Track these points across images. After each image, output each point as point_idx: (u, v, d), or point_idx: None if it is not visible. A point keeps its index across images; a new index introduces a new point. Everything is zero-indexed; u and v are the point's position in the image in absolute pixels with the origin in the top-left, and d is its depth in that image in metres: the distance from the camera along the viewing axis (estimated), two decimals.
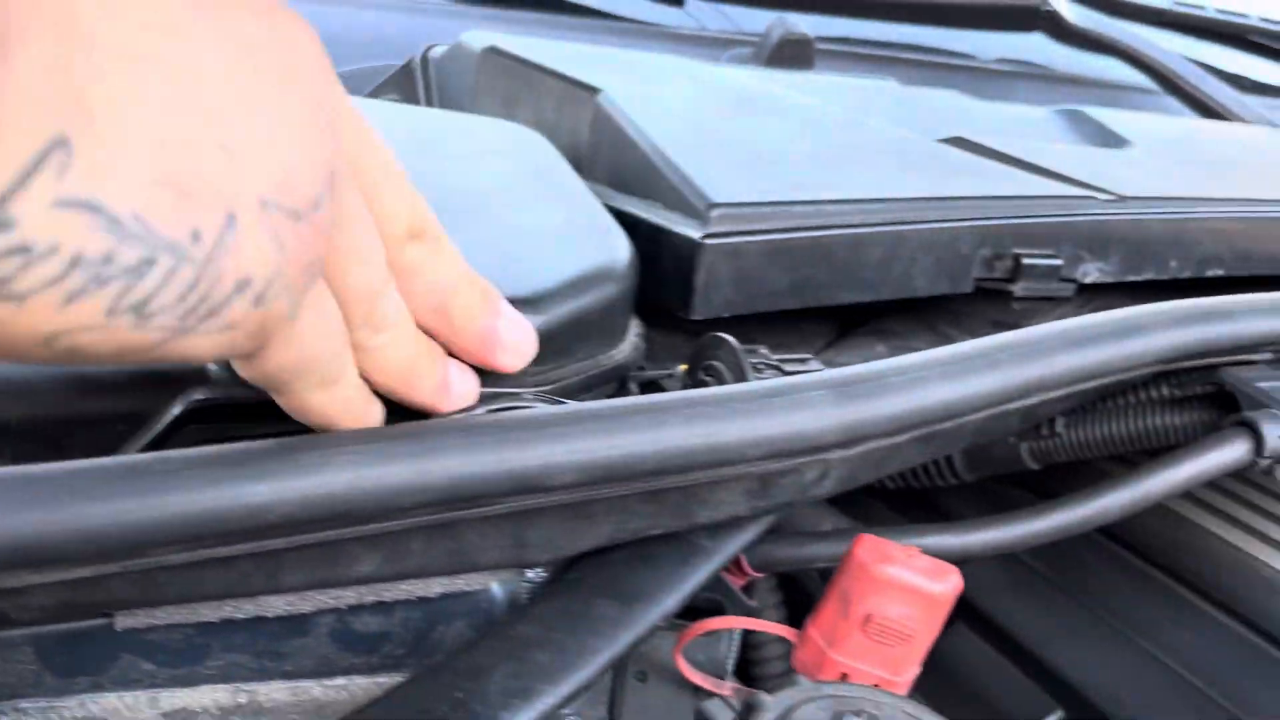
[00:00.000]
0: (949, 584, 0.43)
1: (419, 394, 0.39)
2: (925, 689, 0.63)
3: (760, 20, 1.02)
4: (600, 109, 0.66)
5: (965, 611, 0.65)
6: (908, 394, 0.45)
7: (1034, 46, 1.23)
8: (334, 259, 0.34)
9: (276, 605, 0.41)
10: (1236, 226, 0.71)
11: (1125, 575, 0.65)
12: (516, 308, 0.43)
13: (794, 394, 0.43)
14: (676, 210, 0.58)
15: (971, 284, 0.63)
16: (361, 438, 0.36)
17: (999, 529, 0.52)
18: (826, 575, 0.49)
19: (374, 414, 0.38)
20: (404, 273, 0.37)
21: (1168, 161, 0.78)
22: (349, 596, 0.42)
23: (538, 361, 0.47)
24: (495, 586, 0.45)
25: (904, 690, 0.45)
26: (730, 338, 0.50)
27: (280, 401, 0.36)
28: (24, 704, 0.39)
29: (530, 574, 0.47)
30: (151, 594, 0.37)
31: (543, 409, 0.41)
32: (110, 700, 0.40)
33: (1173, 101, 1.16)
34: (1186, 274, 0.71)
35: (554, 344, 0.48)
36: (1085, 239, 0.66)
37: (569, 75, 0.69)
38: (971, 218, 0.62)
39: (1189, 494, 0.69)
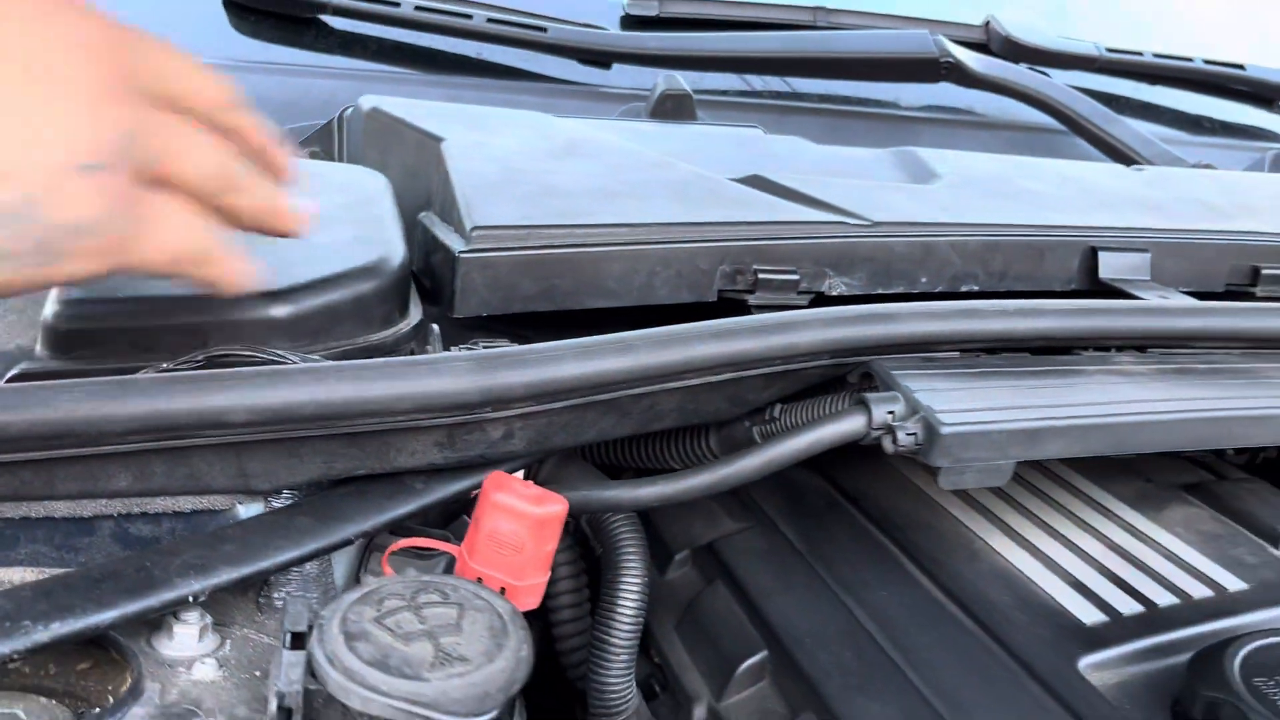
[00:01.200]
0: (550, 509, 0.57)
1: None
2: (682, 634, 0.76)
3: (692, 80, 1.17)
4: (438, 154, 0.81)
5: (724, 573, 0.77)
6: (538, 369, 0.59)
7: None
8: (169, 167, 0.51)
9: (60, 509, 0.57)
10: (987, 248, 0.81)
11: (860, 544, 0.75)
12: (270, 299, 0.60)
13: (439, 363, 0.58)
14: (456, 231, 0.73)
15: (715, 294, 0.76)
16: (83, 384, 0.53)
17: (661, 486, 0.65)
18: None
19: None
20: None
21: (961, 193, 0.88)
22: (118, 506, 0.58)
23: (293, 338, 0.63)
24: (240, 508, 0.61)
25: (531, 595, 0.58)
26: (435, 327, 0.65)
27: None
28: None
29: (277, 502, 0.62)
30: None
31: (237, 369, 0.56)
32: None
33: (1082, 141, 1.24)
34: (940, 288, 0.81)
35: (306, 325, 0.64)
36: (830, 257, 0.78)
37: (424, 128, 0.86)
38: (713, 239, 0.75)
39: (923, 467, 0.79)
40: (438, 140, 0.83)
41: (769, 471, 0.64)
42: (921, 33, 1.21)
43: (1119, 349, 0.74)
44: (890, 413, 0.62)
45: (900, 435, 0.61)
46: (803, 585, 0.73)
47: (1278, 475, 0.85)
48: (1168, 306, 0.76)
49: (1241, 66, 1.44)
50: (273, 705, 0.47)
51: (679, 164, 0.86)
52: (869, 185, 0.87)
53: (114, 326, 0.61)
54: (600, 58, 1.19)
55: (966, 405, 0.62)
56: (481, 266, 0.70)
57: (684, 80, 1.08)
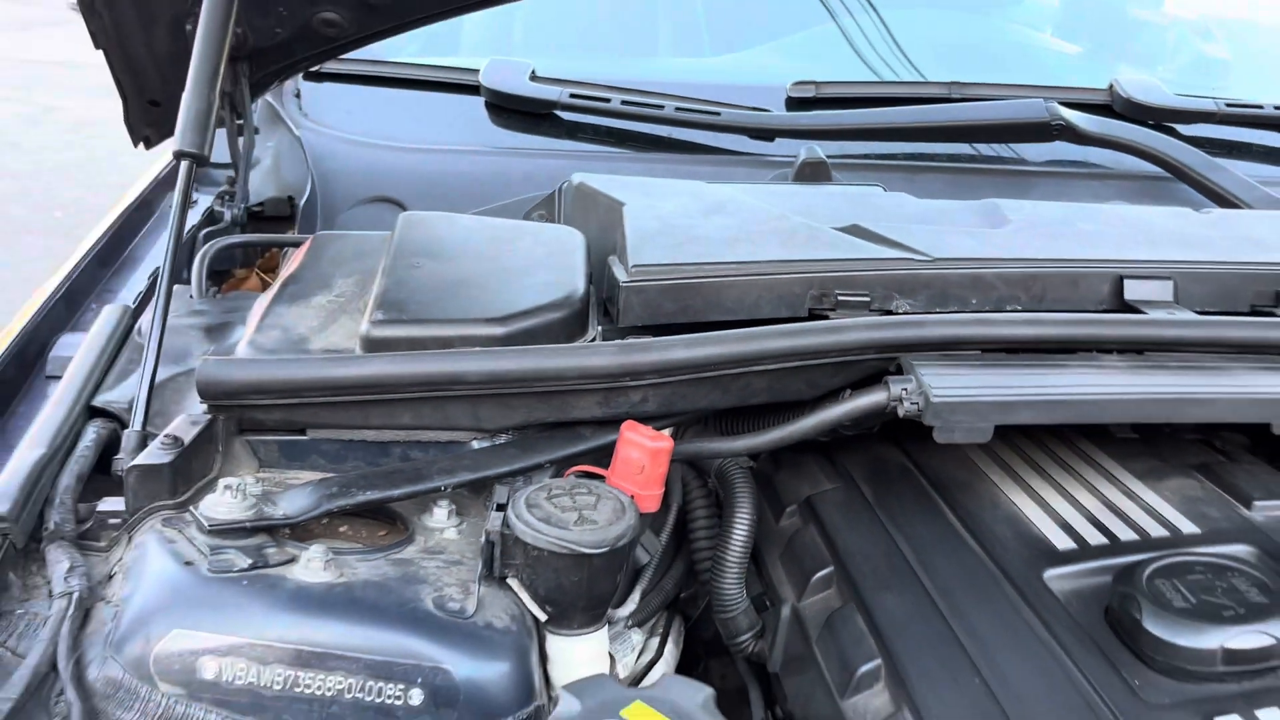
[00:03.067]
0: (661, 444, 0.88)
1: None
2: (783, 561, 1.04)
3: (834, 148, 1.46)
4: (620, 215, 1.15)
5: (814, 518, 1.04)
6: (658, 353, 0.90)
7: None
8: None
9: (369, 435, 0.94)
10: (1028, 278, 1.05)
11: (914, 497, 1.01)
12: (492, 323, 0.95)
13: (595, 348, 0.91)
14: (624, 268, 1.06)
15: (806, 312, 1.05)
16: (385, 356, 0.89)
17: (745, 440, 0.94)
18: None
19: None
20: None
21: (1021, 235, 1.12)
22: (402, 435, 0.95)
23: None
24: (474, 442, 0.96)
25: (649, 502, 0.89)
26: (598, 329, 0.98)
27: None
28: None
29: (499, 439, 0.97)
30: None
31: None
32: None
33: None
34: (987, 309, 1.06)
35: (517, 340, 0.98)
36: (896, 285, 1.05)
37: (612, 196, 1.20)
38: (804, 272, 1.04)
39: (988, 448, 1.04)
40: (620, 204, 1.17)
41: (821, 430, 0.92)
42: (1036, 101, 1.44)
43: (1120, 352, 0.96)
44: (904, 389, 0.89)
45: (906, 404, 0.88)
46: (865, 524, 1.00)
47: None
48: (1153, 319, 0.97)
49: None
50: (483, 540, 0.81)
51: (793, 217, 1.15)
52: (943, 229, 1.13)
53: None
54: (763, 134, 1.50)
55: (959, 384, 0.88)
56: (638, 292, 1.03)
57: (823, 149, 1.37)
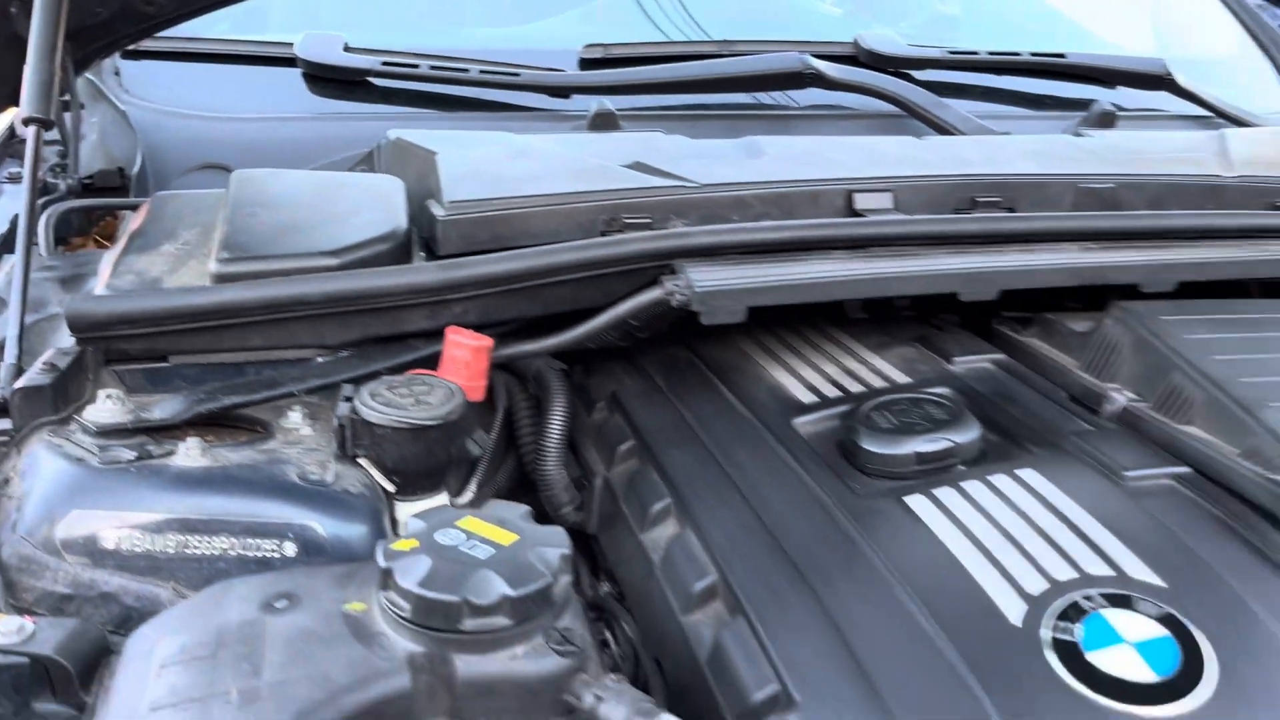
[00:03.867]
0: (481, 342, 1.06)
1: None
2: (595, 444, 1.23)
3: (624, 102, 1.66)
4: (434, 163, 1.31)
5: (619, 408, 1.24)
6: (471, 269, 1.08)
7: None
8: None
9: (225, 358, 1.08)
10: (778, 197, 1.28)
11: (699, 382, 1.23)
12: (327, 255, 1.10)
13: (419, 267, 1.08)
14: (441, 206, 1.23)
15: (599, 235, 1.24)
16: (239, 285, 1.04)
17: (545, 340, 1.13)
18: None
19: None
20: None
21: (776, 163, 1.35)
22: (255, 356, 1.09)
23: None
24: (319, 357, 1.11)
25: (474, 392, 1.07)
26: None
27: None
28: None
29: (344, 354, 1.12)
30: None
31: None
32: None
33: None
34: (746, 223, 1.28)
35: (349, 268, 1.14)
36: (673, 208, 1.25)
37: (425, 147, 1.36)
38: (595, 201, 1.23)
39: (754, 338, 1.26)
40: (433, 153, 1.33)
41: (613, 324, 1.12)
42: (792, 54, 1.68)
43: (846, 248, 1.20)
44: (675, 285, 1.10)
45: (676, 296, 1.09)
46: (658, 405, 1.20)
47: (986, 327, 1.30)
48: (869, 220, 1.22)
49: (1063, 55, 1.87)
50: (335, 424, 0.97)
51: (588, 158, 1.35)
52: (711, 162, 1.34)
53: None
54: (560, 91, 1.68)
55: (718, 277, 1.10)
56: (454, 224, 1.20)
57: (612, 103, 1.57)
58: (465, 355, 1.06)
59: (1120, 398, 1.09)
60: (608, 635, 1.04)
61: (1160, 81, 1.89)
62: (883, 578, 0.85)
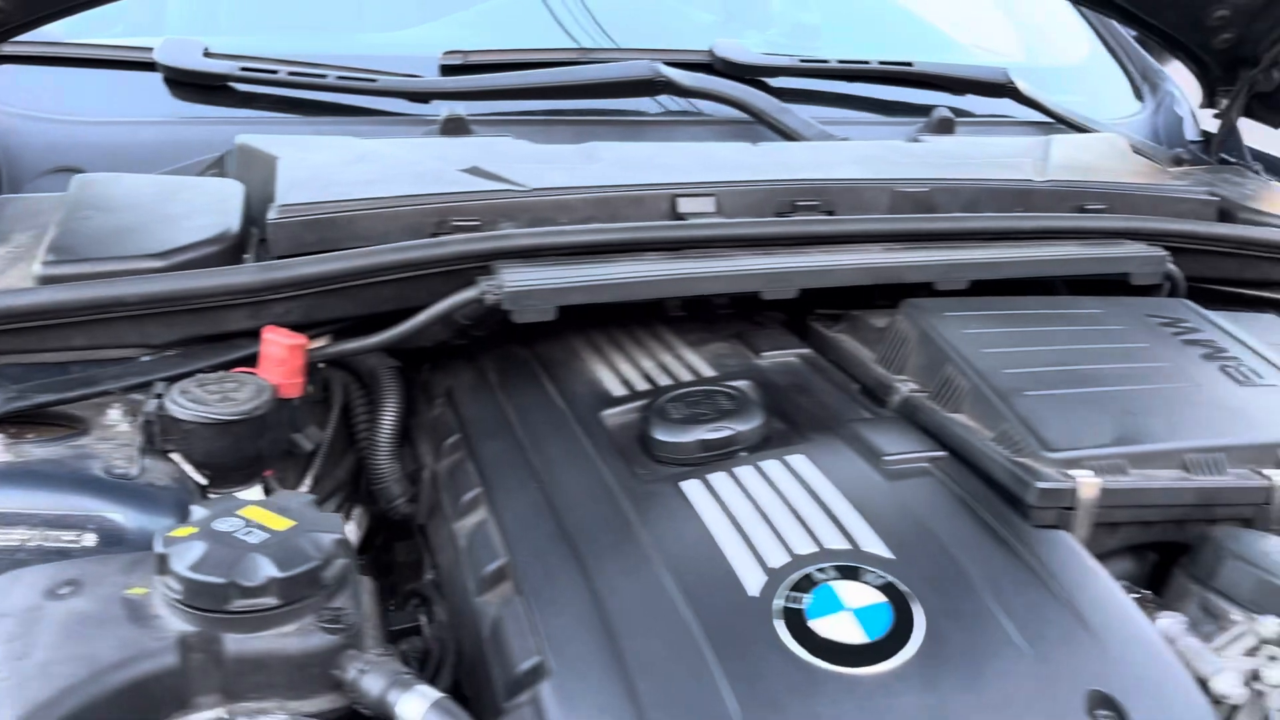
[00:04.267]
0: (296, 340, 1.10)
1: None
2: (429, 437, 1.29)
3: (483, 107, 1.71)
4: (274, 167, 1.35)
5: (451, 402, 1.30)
6: (287, 271, 1.13)
7: None
8: None
9: (49, 358, 1.12)
10: (602, 200, 1.34)
11: (527, 378, 1.28)
12: (154, 259, 1.14)
13: (240, 269, 1.12)
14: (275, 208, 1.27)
15: (428, 236, 1.29)
16: (60, 287, 1.07)
17: (367, 340, 1.18)
18: None
19: None
20: None
21: (608, 169, 1.41)
22: (78, 355, 1.12)
23: None
24: (144, 356, 1.14)
25: (290, 390, 1.11)
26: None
27: None
28: None
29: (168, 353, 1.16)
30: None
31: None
32: None
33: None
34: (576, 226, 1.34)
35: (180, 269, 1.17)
36: (502, 211, 1.31)
37: (268, 152, 1.40)
38: (425, 204, 1.28)
39: (586, 336, 1.32)
40: (275, 158, 1.37)
41: (433, 321, 1.17)
42: (642, 62, 1.74)
43: (662, 250, 1.26)
44: (489, 284, 1.16)
45: (489, 295, 1.15)
46: (486, 400, 1.26)
47: (802, 324, 1.37)
48: (681, 224, 1.29)
49: (910, 64, 1.96)
50: (142, 420, 1.01)
51: (427, 162, 1.40)
52: (546, 168, 1.40)
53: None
54: (418, 97, 1.73)
55: (530, 278, 1.16)
56: (282, 227, 1.24)
57: (472, 108, 1.62)
58: (280, 353, 1.11)
59: (903, 388, 1.17)
60: (422, 620, 1.10)
61: (1003, 89, 1.99)
62: (647, 555, 0.91)
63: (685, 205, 1.37)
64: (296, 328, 1.17)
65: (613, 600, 0.87)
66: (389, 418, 1.27)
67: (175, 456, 1.03)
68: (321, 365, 1.25)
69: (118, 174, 1.38)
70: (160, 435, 1.02)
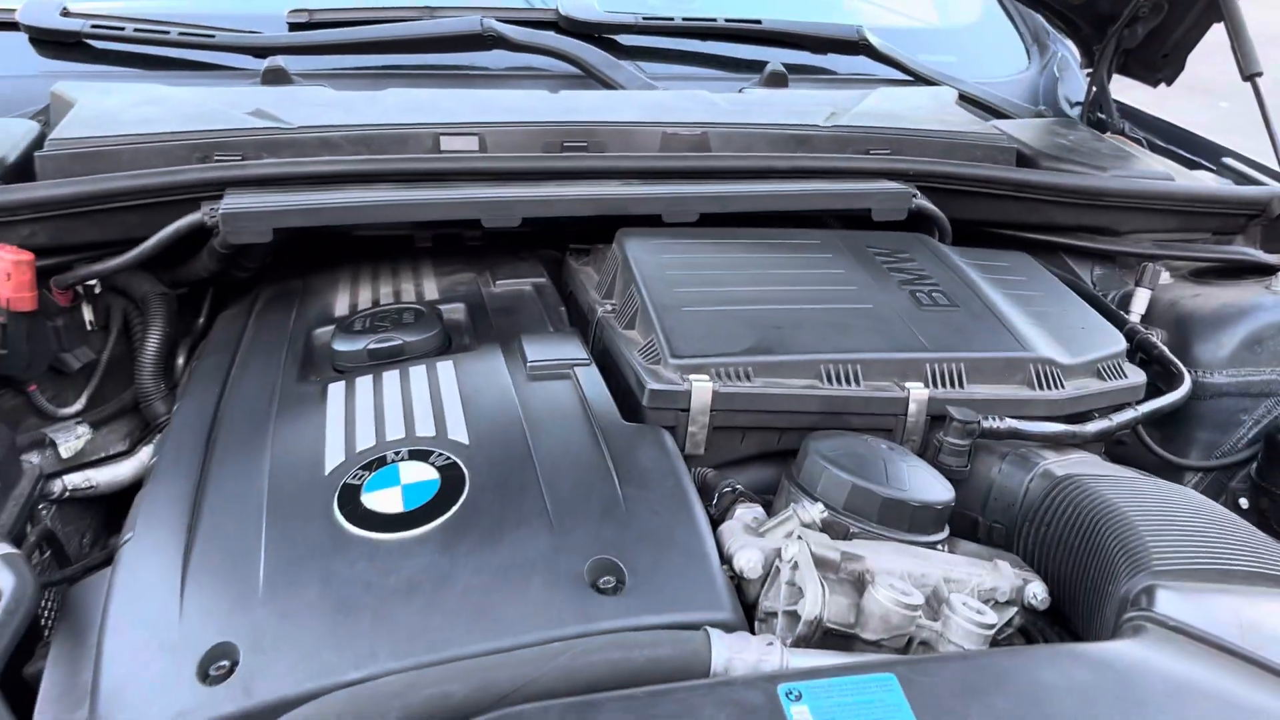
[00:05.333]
0: (22, 256, 1.19)
1: None
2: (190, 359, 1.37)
3: (327, 63, 1.79)
4: (69, 109, 1.44)
5: (212, 321, 1.37)
6: (26, 193, 1.21)
7: None
8: None
9: None
10: (364, 137, 1.40)
11: (286, 301, 1.35)
12: None
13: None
14: None
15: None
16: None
17: (106, 262, 1.26)
18: None
19: None
20: None
21: (388, 111, 1.47)
22: None
23: None
24: None
25: (21, 304, 1.20)
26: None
27: None
28: None
29: None
30: None
31: None
32: None
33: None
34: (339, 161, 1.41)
35: None
36: (264, 146, 1.38)
37: (69, 97, 1.49)
38: (193, 140, 1.36)
39: (353, 269, 1.39)
40: (71, 103, 1.46)
41: (161, 247, 1.25)
42: (472, 17, 1.80)
43: (400, 180, 1.33)
44: (211, 208, 1.23)
45: (208, 219, 1.22)
46: (236, 322, 1.33)
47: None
48: (414, 156, 1.34)
49: (759, 21, 1.99)
50: None
51: (214, 104, 1.48)
52: (325, 110, 1.47)
53: None
54: (260, 52, 1.81)
55: (249, 202, 1.23)
56: (51, 159, 1.33)
57: (316, 63, 1.71)
58: (6, 267, 1.19)
59: (600, 309, 1.22)
60: None
61: (856, 46, 2.01)
62: (262, 445, 0.98)
63: (448, 143, 1.42)
64: (47, 251, 1.26)
65: (213, 480, 0.94)
66: (153, 339, 1.35)
67: None
68: (98, 291, 1.35)
69: None
70: None
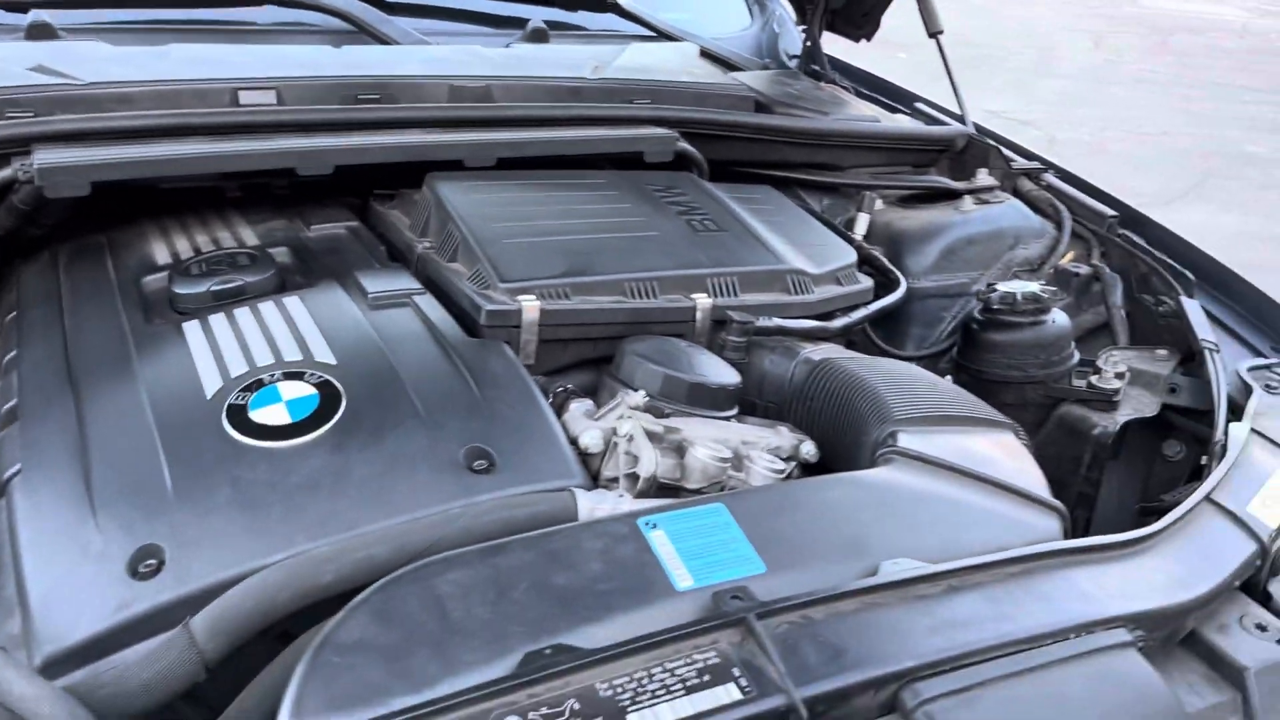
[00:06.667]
0: None
1: None
2: None
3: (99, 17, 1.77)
4: None
5: (18, 280, 1.39)
6: None
7: None
8: None
9: None
10: (171, 92, 1.44)
11: (96, 257, 1.38)
12: None
13: None
14: None
15: None
16: None
17: None
18: None
19: None
20: None
21: (177, 66, 1.51)
22: None
23: None
24: None
25: None
26: None
27: None
28: None
29: None
30: None
31: None
32: None
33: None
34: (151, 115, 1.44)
35: None
36: (57, 103, 1.39)
37: None
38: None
39: (159, 223, 1.43)
40: None
41: None
42: None
43: (210, 134, 1.39)
44: (23, 164, 1.25)
45: (21, 174, 1.25)
46: (46, 277, 1.35)
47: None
48: (244, 110, 1.41)
49: None
50: None
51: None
52: (114, 65, 1.49)
53: None
54: (16, 7, 1.76)
55: (64, 157, 1.26)
56: None
57: (90, 18, 1.70)
58: None
59: (418, 247, 1.35)
60: None
61: (604, 5, 2.20)
62: (133, 380, 1.06)
63: (246, 98, 1.49)
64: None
65: (92, 415, 1.01)
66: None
67: None
68: None
69: None
70: None
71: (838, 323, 1.38)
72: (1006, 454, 1.09)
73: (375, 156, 1.42)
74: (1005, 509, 0.99)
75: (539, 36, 2.01)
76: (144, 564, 0.86)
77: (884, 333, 1.70)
